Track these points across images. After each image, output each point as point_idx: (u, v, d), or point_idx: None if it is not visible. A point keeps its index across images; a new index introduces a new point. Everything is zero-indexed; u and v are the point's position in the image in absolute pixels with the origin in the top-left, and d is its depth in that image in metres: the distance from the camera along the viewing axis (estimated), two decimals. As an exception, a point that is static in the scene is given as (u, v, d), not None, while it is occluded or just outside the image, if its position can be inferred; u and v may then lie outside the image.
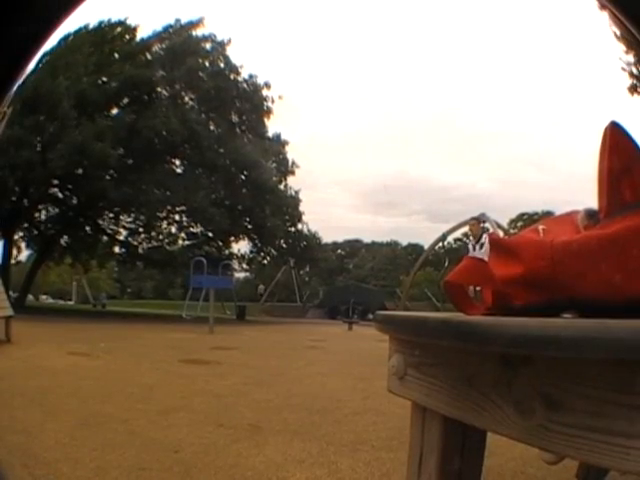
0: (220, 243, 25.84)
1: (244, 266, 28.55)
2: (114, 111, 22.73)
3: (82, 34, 22.55)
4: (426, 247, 28.56)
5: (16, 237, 26.44)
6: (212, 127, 23.44)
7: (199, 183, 21.89)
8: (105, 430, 3.91)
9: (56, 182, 23.18)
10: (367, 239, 57.92)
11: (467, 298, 1.28)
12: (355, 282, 41.30)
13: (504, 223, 23.30)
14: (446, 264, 23.87)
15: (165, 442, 3.65)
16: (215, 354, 9.14)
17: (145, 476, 3.01)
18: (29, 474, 2.90)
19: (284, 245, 26.46)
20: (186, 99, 23.56)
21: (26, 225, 26.16)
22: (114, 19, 23.39)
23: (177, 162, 24.42)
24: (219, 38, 23.54)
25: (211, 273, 18.43)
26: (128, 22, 23.60)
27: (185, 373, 7.21)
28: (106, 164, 20.29)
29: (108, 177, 21.69)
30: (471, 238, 9.49)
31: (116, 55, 22.81)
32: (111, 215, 25.29)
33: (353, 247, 57.70)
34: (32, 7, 0.97)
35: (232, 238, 25.51)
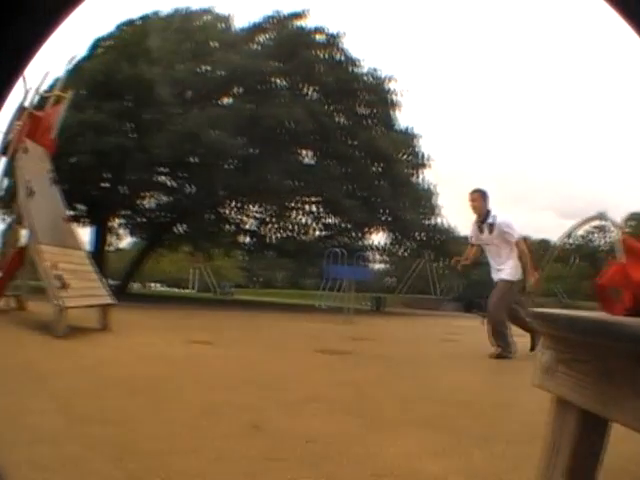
0: (356, 234, 27.78)
1: (383, 257, 30.86)
2: (225, 100, 25.10)
3: (153, 20, 25.51)
4: (553, 242, 30.56)
5: (113, 224, 29.54)
6: (339, 119, 25.32)
7: (332, 174, 23.27)
8: (230, 420, 4.09)
9: (163, 170, 25.64)
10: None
11: (613, 300, 1.56)
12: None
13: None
14: (575, 261, 23.97)
15: (297, 432, 3.81)
16: (352, 344, 9.73)
17: (273, 466, 3.13)
18: (117, 467, 3.00)
19: (421, 237, 28.02)
20: (306, 90, 25.42)
21: (127, 212, 28.97)
22: (194, 7, 26.63)
23: (305, 153, 26.46)
24: (330, 31, 25.46)
25: (348, 264, 19.36)
26: (215, 11, 26.82)
27: (321, 363, 7.69)
28: (226, 153, 21.98)
29: (230, 166, 23.78)
30: (475, 217, 9.65)
31: (214, 44, 25.33)
32: (237, 204, 27.88)
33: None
34: (32, 7, 1.12)
35: (369, 229, 27.37)
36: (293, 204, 27.38)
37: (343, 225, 27.69)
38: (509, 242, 9.29)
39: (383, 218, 26.87)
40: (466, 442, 3.78)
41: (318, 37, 26.04)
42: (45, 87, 12.30)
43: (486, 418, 4.62)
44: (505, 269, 9.21)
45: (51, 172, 11.66)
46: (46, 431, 3.56)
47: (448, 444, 3.70)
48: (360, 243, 28.22)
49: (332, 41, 26.08)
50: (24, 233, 10.76)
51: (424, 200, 27.52)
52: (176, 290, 52.10)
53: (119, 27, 27.12)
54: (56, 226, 10.54)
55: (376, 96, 26.29)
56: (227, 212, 29.51)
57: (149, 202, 29.55)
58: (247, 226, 30.53)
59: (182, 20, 26.66)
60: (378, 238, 29.60)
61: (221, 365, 6.99)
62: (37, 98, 11.86)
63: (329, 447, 3.48)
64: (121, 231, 32.44)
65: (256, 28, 26.64)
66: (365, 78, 26.40)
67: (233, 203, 28.50)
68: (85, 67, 22.44)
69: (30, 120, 11.41)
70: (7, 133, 11.39)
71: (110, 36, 27.01)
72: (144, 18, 26.92)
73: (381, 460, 3.29)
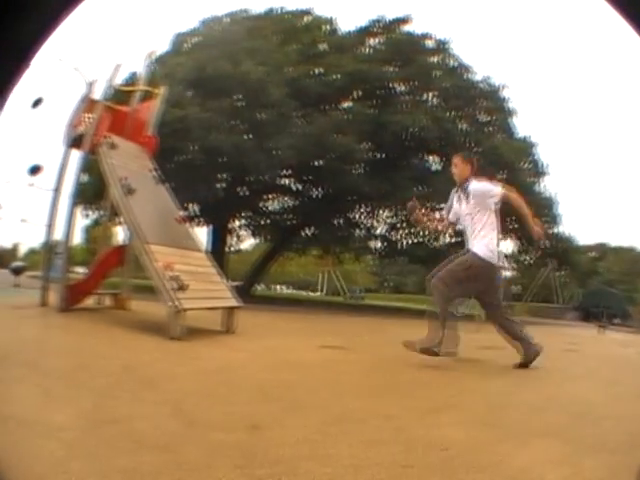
0: None
1: (510, 265, 31.13)
2: (344, 104, 25.73)
3: (244, 18, 26.98)
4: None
5: (233, 225, 30.94)
6: (461, 126, 25.89)
7: None
8: (366, 427, 4.16)
9: (286, 172, 26.33)
10: (613, 242, 72.80)
11: None
12: (604, 286, 50.70)
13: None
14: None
15: (433, 440, 3.90)
16: (483, 353, 9.88)
17: (409, 473, 3.20)
18: (243, 474, 3.02)
19: (545, 246, 28.53)
20: (425, 96, 26.13)
21: (249, 214, 30.27)
22: (290, 8, 28.03)
23: (431, 159, 27.30)
24: (438, 37, 26.61)
25: None
26: (315, 12, 27.98)
27: (456, 372, 7.72)
28: (353, 158, 22.56)
29: (358, 171, 24.27)
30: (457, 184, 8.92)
31: (323, 46, 26.51)
32: (366, 209, 28.83)
33: (600, 249, 74.17)
34: (32, 7, 1.25)
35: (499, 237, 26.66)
36: (423, 210, 26.81)
37: None
38: (486, 210, 8.42)
39: (510, 226, 26.48)
40: (588, 452, 3.86)
41: (428, 43, 27.07)
42: (118, 81, 12.46)
43: (601, 428, 4.64)
44: (476, 243, 8.19)
45: (154, 170, 11.75)
46: (162, 437, 3.61)
47: (569, 453, 3.83)
48: None
49: (442, 47, 26.94)
50: (117, 231, 10.75)
51: (547, 209, 27.65)
52: (304, 293, 53.41)
53: (204, 23, 28.44)
54: (167, 226, 10.57)
55: (493, 103, 27.34)
56: (357, 217, 30.28)
57: (272, 204, 30.66)
58: (378, 231, 31.16)
59: (279, 20, 27.84)
60: (505, 245, 29.71)
61: (354, 371, 7.12)
62: (110, 91, 12.02)
63: (462, 455, 3.59)
64: (242, 232, 33.85)
65: (364, 32, 27.54)
66: (481, 85, 27.40)
67: (362, 208, 29.14)
68: (173, 63, 23.60)
69: (111, 114, 11.55)
70: (74, 125, 11.67)
71: (195, 32, 28.32)
72: (231, 15, 28.25)
73: (510, 468, 3.47)
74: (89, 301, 11.50)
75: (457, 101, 25.79)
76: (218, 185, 25.35)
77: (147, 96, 12.90)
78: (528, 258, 31.62)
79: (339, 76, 24.87)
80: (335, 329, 13.92)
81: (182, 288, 8.72)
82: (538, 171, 28.70)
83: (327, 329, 13.77)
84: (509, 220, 25.26)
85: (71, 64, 13.79)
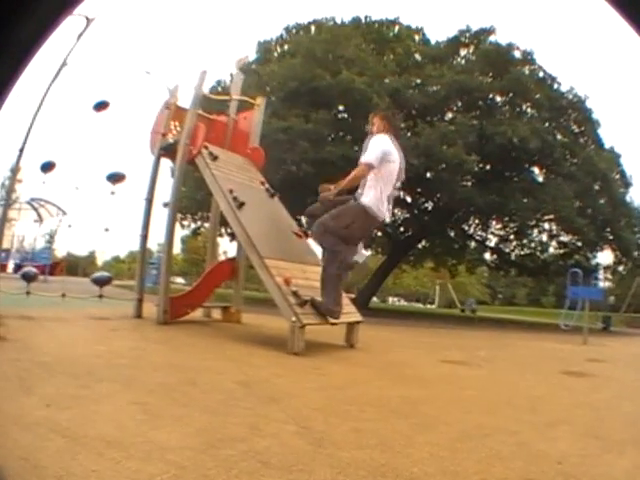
0: (588, 253, 29.38)
1: (606, 276, 32.80)
2: (447, 115, 26.15)
3: (330, 28, 26.98)
4: None
5: None
6: (558, 137, 26.35)
7: (563, 192, 24.25)
8: (491, 442, 4.24)
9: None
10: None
11: None
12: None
13: None
14: None
15: (550, 454, 4.02)
16: (589, 366, 10.24)
17: None
18: None
19: (638, 256, 29.40)
20: (522, 108, 26.57)
21: None
22: (377, 17, 28.37)
23: (535, 170, 27.80)
24: (522, 47, 26.77)
25: (585, 284, 20.90)
26: (403, 22, 28.47)
27: (566, 385, 7.99)
28: (463, 169, 22.62)
29: (467, 183, 24.73)
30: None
31: (417, 57, 27.18)
32: (478, 221, 29.63)
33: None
34: (32, 7, 1.30)
35: (599, 248, 29.02)
36: (533, 222, 28.37)
37: (576, 243, 29.07)
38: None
39: (610, 237, 27.87)
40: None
41: (515, 53, 27.11)
42: (204, 89, 12.10)
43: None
44: (364, 193, 8.72)
45: (265, 183, 11.57)
46: (288, 457, 3.48)
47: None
48: (593, 262, 29.69)
49: (528, 58, 26.99)
50: (219, 242, 10.54)
51: (636, 219, 28.70)
52: (417, 305, 54.15)
53: (289, 31, 28.84)
54: (284, 240, 10.37)
55: (581, 114, 27.55)
56: (469, 228, 30.87)
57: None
58: (489, 243, 31.87)
59: (368, 30, 27.92)
60: (603, 257, 31.03)
61: (478, 386, 7.14)
62: (198, 99, 11.50)
63: (575, 468, 3.72)
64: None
65: (455, 42, 27.98)
66: (568, 96, 27.45)
67: (474, 220, 29.85)
68: (264, 72, 23.90)
69: (207, 123, 11.41)
70: (162, 133, 11.53)
71: (281, 40, 28.80)
72: (316, 23, 28.39)
73: (611, 478, 3.74)
74: (194, 314, 11.44)
75: (550, 112, 26.04)
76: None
77: (243, 106, 12.83)
78: (623, 269, 32.33)
79: (439, 87, 25.11)
80: (453, 343, 13.63)
81: (302, 304, 8.52)
82: (626, 182, 29.22)
83: (446, 343, 13.53)
84: (607, 231, 26.97)
85: (143, 68, 13.91)
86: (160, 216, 11.96)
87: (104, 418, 4.05)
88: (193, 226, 29.22)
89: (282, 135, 20.13)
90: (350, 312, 9.89)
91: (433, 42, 28.55)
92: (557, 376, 8.57)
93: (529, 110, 26.50)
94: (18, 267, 25.34)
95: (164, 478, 2.96)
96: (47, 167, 13.70)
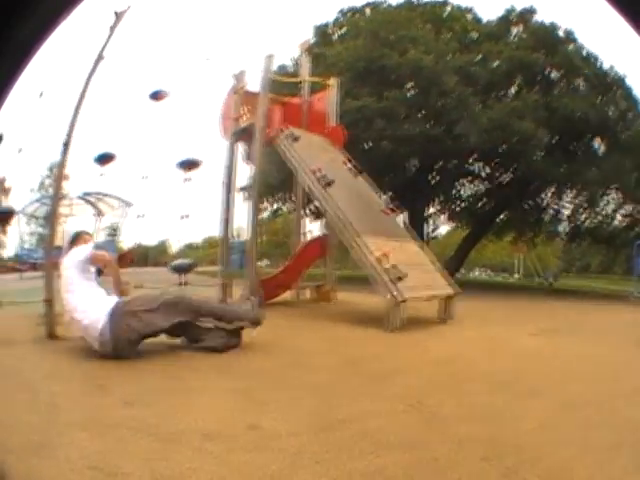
0: None
1: None
2: (511, 91, 26.01)
3: (385, 10, 27.68)
4: None
5: (428, 212, 31.97)
6: (610, 111, 26.09)
7: (623, 164, 24.05)
8: (587, 411, 4.37)
9: (474, 158, 26.86)
10: None
11: None
12: None
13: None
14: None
15: (635, 421, 4.09)
16: None
17: (624, 453, 3.43)
18: (491, 466, 3.06)
19: None
20: (576, 83, 26.16)
21: (443, 200, 31.24)
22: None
23: (596, 144, 27.44)
24: (564, 27, 26.88)
25: None
26: (451, 2, 28.68)
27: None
28: (534, 142, 22.53)
29: (538, 155, 24.22)
30: None
31: (475, 35, 27.13)
32: (551, 193, 29.18)
33: None
34: (32, 7, 1.29)
35: None
36: (600, 192, 27.86)
37: (638, 216, 28.38)
38: None
39: None
40: None
41: (559, 32, 26.72)
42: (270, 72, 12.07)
43: None
44: None
45: (348, 162, 11.43)
46: (402, 435, 3.48)
47: None
48: None
49: (570, 37, 26.69)
50: (304, 223, 10.45)
51: None
52: (501, 278, 54.34)
53: (344, 14, 28.98)
54: (374, 217, 10.27)
55: (624, 91, 26.90)
56: (545, 201, 30.50)
57: (465, 190, 31.40)
58: (564, 214, 31.19)
59: (423, 10, 27.84)
60: None
61: (568, 357, 7.14)
62: (267, 83, 11.36)
63: None
64: (438, 219, 34.96)
65: (505, 21, 27.78)
66: (611, 73, 26.83)
67: (547, 191, 29.46)
68: (330, 54, 23.62)
69: (282, 106, 11.37)
70: (234, 118, 11.54)
71: (337, 23, 28.91)
72: (370, 6, 28.54)
73: None
74: (286, 295, 11.49)
75: (600, 88, 25.75)
76: (409, 173, 26.08)
77: (314, 88, 12.74)
78: None
79: (499, 62, 25.04)
80: (541, 314, 13.47)
81: (400, 278, 8.40)
82: None
83: (534, 314, 13.32)
84: None
85: (203, 55, 13.95)
86: (236, 201, 12.10)
87: (199, 409, 3.92)
88: (270, 209, 29.31)
89: (357, 114, 20.00)
90: (443, 286, 9.77)
91: (484, 21, 28.57)
92: (633, 345, 8.43)
93: (581, 86, 26.07)
94: None
95: (277, 468, 2.87)
96: (104, 159, 13.84)
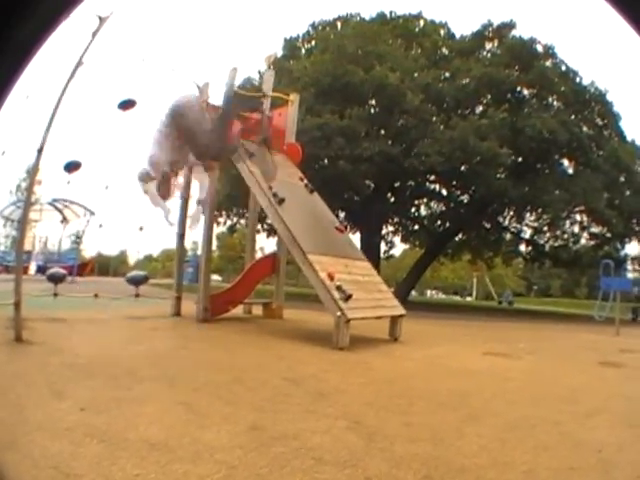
0: (618, 245, 29.41)
1: (635, 267, 32.74)
2: (477, 109, 26.20)
3: (356, 24, 27.44)
4: None
5: (386, 231, 31.82)
6: (584, 129, 26.57)
7: (592, 184, 24.49)
8: (536, 433, 4.44)
9: (432, 177, 26.98)
10: None
11: None
12: None
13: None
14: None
15: (590, 442, 4.23)
16: (623, 357, 10.31)
17: (573, 475, 3.53)
18: None
19: None
20: (550, 101, 26.58)
21: (398, 220, 31.17)
22: (400, 12, 28.77)
23: (565, 163, 27.95)
24: (543, 42, 26.94)
25: (616, 275, 21.41)
26: (427, 16, 28.87)
27: (602, 376, 8.10)
28: (497, 162, 22.70)
29: (501, 175, 24.68)
30: None
31: (444, 50, 27.50)
32: (513, 213, 29.37)
33: None
34: (32, 7, 1.29)
35: (627, 239, 29.06)
36: (565, 214, 28.13)
37: (606, 235, 28.60)
38: None
39: (637, 228, 27.93)
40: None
41: (537, 47, 26.98)
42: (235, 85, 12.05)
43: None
44: None
45: (303, 179, 11.49)
46: (341, 453, 3.50)
47: None
48: (622, 253, 29.69)
49: (549, 52, 27.00)
50: (257, 239, 10.43)
51: None
52: (455, 298, 54.75)
53: (314, 27, 28.89)
54: (326, 236, 10.35)
55: (603, 107, 27.51)
56: (505, 221, 30.90)
57: (423, 209, 31.66)
58: (524, 235, 31.99)
59: (394, 25, 27.95)
60: (631, 248, 31.03)
61: (520, 378, 7.21)
62: (230, 97, 11.34)
63: (615, 455, 3.92)
64: (393, 238, 34.69)
65: (479, 36, 27.96)
66: (590, 89, 27.35)
67: (509, 212, 29.77)
68: (294, 68, 23.87)
69: (240, 121, 11.24)
70: None
71: (308, 37, 28.85)
72: (341, 19, 28.60)
73: None
74: (234, 311, 11.41)
75: (575, 105, 26.23)
76: (365, 192, 25.68)
77: (275, 103, 12.74)
78: None
79: (468, 80, 25.17)
80: (494, 335, 13.50)
81: (347, 298, 8.45)
82: None
83: (487, 335, 13.47)
84: (632, 222, 27.17)
85: (167, 65, 13.91)
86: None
87: (147, 420, 3.97)
88: (229, 223, 29.13)
89: (317, 132, 20.02)
90: (392, 305, 9.83)
91: (458, 36, 28.76)
92: (594, 366, 8.75)
93: (555, 103, 26.56)
94: (41, 269, 25.18)
95: (214, 479, 2.91)
96: (71, 167, 13.71)
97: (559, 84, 25.21)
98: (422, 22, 28.39)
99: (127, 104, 11.96)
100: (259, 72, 22.96)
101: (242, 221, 27.14)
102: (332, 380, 5.90)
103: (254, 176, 10.07)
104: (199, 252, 14.07)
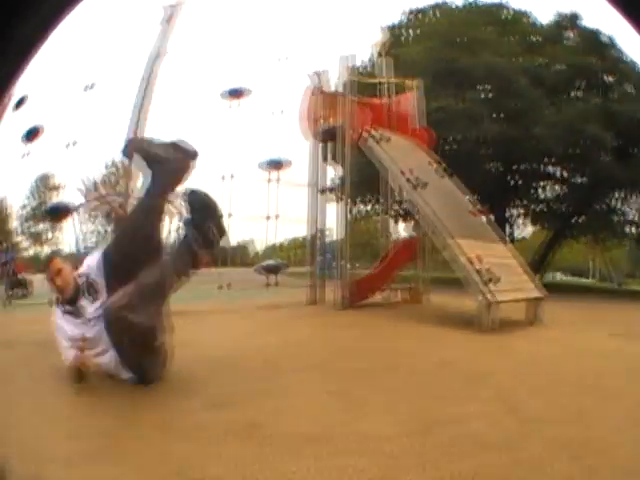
0: None
1: None
2: (573, 93, 26.40)
3: (447, 11, 28.38)
4: None
5: (511, 213, 32.30)
6: None
7: None
8: None
9: (550, 160, 26.90)
10: None
11: None
12: None
13: None
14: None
15: None
16: None
17: None
18: (580, 465, 3.05)
19: None
20: (628, 88, 26.36)
21: (523, 202, 31.12)
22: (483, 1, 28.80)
23: None
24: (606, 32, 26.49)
25: None
26: (509, 6, 28.78)
27: None
28: (604, 145, 22.67)
29: (606, 158, 24.11)
30: None
31: (535, 38, 27.61)
32: (620, 196, 29.09)
33: None
34: (32, 7, 1.32)
35: None
36: None
37: None
38: None
39: None
40: None
41: (603, 38, 26.39)
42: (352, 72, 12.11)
43: None
44: None
45: (436, 163, 11.40)
46: (494, 436, 3.49)
47: None
48: None
49: (612, 42, 26.31)
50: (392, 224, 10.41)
51: None
52: (581, 279, 54.49)
53: (408, 15, 29.36)
54: (464, 219, 10.22)
55: None
56: (613, 203, 29.98)
57: (544, 192, 30.97)
58: (630, 217, 30.89)
59: (483, 13, 27.97)
60: None
61: None
62: (347, 84, 11.63)
63: None
64: (520, 220, 34.50)
65: (558, 25, 27.64)
66: None
67: (617, 195, 29.17)
68: (403, 54, 22.93)
69: (366, 107, 11.49)
70: (314, 119, 11.64)
71: (405, 24, 29.20)
72: (434, 8, 29.00)
73: None
74: (373, 297, 11.35)
75: None
76: (488, 175, 25.72)
77: (400, 89, 12.69)
78: None
79: (563, 67, 25.15)
80: (619, 317, 13.11)
81: (492, 281, 8.41)
82: None
83: (611, 317, 13.11)
84: None
85: (280, 54, 13.94)
86: (321, 201, 12.33)
87: (297, 412, 3.93)
88: (355, 210, 29.46)
89: (438, 115, 18.99)
90: (532, 288, 9.71)
91: (539, 25, 28.69)
92: None
93: (632, 90, 26.02)
94: None
95: (377, 470, 2.89)
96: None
97: (630, 72, 25.33)
98: (506, 11, 28.53)
99: (238, 93, 12.23)
100: (370, 60, 22.10)
101: (368, 208, 27.90)
102: (481, 363, 5.86)
103: (393, 160, 10.09)
104: (329, 239, 14.10)
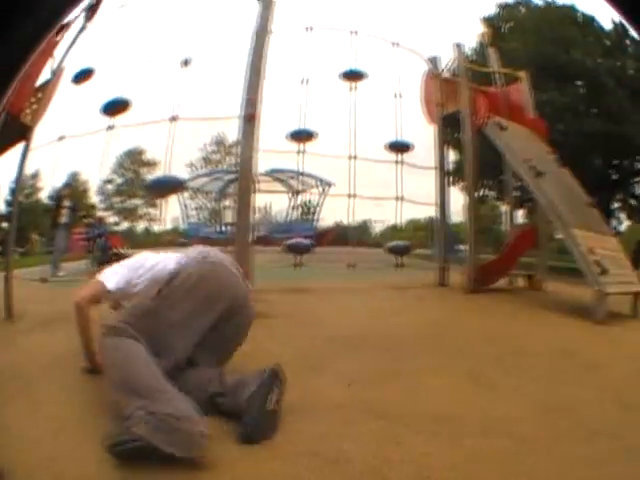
0: None
1: None
2: None
3: (533, 7, 28.18)
4: None
5: (613, 207, 31.34)
6: None
7: None
8: None
9: None
10: None
11: None
12: None
13: None
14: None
15: None
16: None
17: None
18: None
19: None
20: None
21: (622, 196, 31.05)
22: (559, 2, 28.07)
23: None
24: None
25: None
26: (579, 8, 27.75)
27: None
28: None
29: None
30: None
31: (607, 42, 26.75)
32: None
33: None
34: (32, 7, 1.25)
35: None
36: None
37: None
38: None
39: None
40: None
41: None
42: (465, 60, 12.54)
43: None
44: None
45: (552, 153, 11.53)
46: (608, 423, 3.63)
47: None
48: None
49: None
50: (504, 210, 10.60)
51: None
52: None
53: (503, 8, 28.91)
54: (579, 210, 10.31)
55: None
56: None
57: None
58: None
59: (561, 12, 27.24)
60: None
61: None
62: (459, 71, 12.01)
63: None
64: (620, 215, 33.73)
65: (617, 33, 26.65)
66: None
67: None
68: (504, 47, 23.46)
69: (484, 95, 11.72)
70: (435, 103, 12.09)
71: (499, 18, 28.79)
72: (520, 3, 28.66)
73: None
74: (498, 283, 11.51)
75: None
76: (592, 169, 25.24)
77: (510, 79, 12.88)
78: None
79: (631, 72, 24.77)
80: None
81: (604, 272, 8.56)
82: None
83: None
84: None
85: (390, 39, 14.10)
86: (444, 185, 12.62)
87: (432, 393, 4.14)
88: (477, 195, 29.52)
89: (547, 107, 19.50)
90: (634, 282, 9.61)
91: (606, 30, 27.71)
92: None
93: None
94: (262, 239, 23.95)
95: (506, 452, 3.13)
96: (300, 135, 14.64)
97: None
98: (579, 13, 27.66)
99: (355, 74, 12.62)
100: (475, 50, 23.15)
101: (487, 193, 27.72)
102: (597, 353, 5.98)
103: (512, 148, 10.40)
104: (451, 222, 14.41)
